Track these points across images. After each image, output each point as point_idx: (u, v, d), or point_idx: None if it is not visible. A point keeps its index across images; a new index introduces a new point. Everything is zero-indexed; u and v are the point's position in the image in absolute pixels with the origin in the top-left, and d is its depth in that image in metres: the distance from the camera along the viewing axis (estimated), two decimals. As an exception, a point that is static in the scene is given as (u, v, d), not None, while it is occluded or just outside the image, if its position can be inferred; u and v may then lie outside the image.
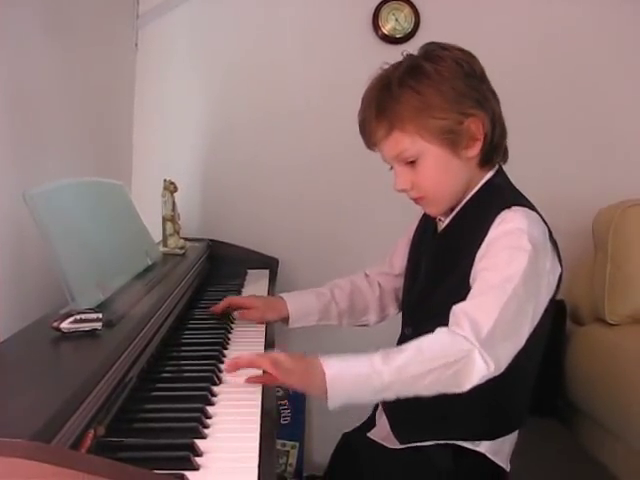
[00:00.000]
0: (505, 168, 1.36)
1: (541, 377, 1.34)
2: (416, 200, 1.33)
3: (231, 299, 1.59)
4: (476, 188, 1.30)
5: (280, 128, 2.44)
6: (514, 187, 1.33)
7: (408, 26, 2.38)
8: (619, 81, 2.42)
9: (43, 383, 0.86)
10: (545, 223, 1.26)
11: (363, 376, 1.11)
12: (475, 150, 1.27)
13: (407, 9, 2.38)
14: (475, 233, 1.24)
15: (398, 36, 2.38)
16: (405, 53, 1.32)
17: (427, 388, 1.12)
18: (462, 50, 1.29)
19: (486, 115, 1.26)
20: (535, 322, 1.20)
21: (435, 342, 1.15)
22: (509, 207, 1.23)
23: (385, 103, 1.26)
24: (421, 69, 1.25)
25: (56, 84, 1.69)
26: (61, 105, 1.71)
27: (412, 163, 1.27)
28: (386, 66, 1.32)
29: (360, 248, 2.40)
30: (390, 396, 1.14)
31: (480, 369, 1.11)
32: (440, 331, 1.15)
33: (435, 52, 1.28)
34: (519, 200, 1.27)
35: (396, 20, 2.39)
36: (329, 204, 2.45)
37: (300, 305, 1.55)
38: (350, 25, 2.42)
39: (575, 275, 2.28)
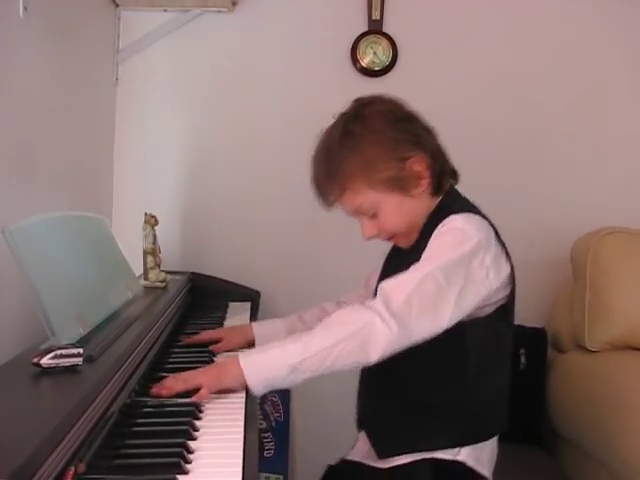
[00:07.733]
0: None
1: (524, 405, 1.35)
2: (387, 240, 1.43)
3: (205, 334, 1.64)
4: (430, 211, 1.38)
5: (260, 161, 2.45)
6: (462, 198, 1.41)
7: (386, 59, 2.42)
8: (595, 112, 2.46)
9: (23, 419, 0.85)
10: (492, 226, 1.33)
11: (276, 357, 1.20)
12: (424, 186, 1.36)
13: (385, 42, 2.42)
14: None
15: (376, 69, 2.42)
16: (335, 116, 1.41)
17: (337, 361, 1.19)
18: (383, 101, 1.38)
19: (425, 152, 1.34)
20: (462, 311, 1.24)
21: (338, 316, 1.24)
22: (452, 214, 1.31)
23: (332, 168, 1.36)
24: (352, 133, 1.34)
25: (37, 118, 1.69)
26: (42, 139, 1.71)
27: (372, 213, 1.36)
28: (322, 133, 1.40)
29: (342, 279, 2.38)
30: (307, 374, 1.20)
31: (383, 333, 1.18)
32: (346, 307, 1.25)
33: (360, 112, 1.37)
34: (465, 207, 1.35)
35: (374, 53, 2.42)
36: (310, 235, 2.46)
37: (266, 328, 1.63)
38: (329, 58, 2.45)
39: (555, 303, 2.30)
